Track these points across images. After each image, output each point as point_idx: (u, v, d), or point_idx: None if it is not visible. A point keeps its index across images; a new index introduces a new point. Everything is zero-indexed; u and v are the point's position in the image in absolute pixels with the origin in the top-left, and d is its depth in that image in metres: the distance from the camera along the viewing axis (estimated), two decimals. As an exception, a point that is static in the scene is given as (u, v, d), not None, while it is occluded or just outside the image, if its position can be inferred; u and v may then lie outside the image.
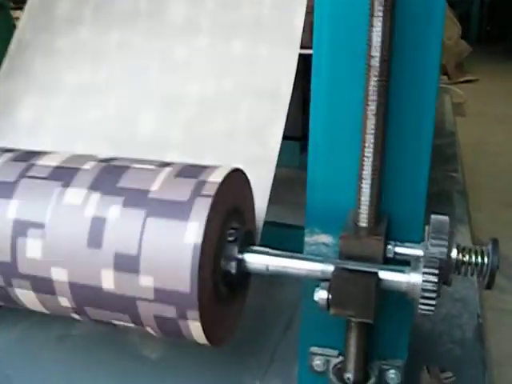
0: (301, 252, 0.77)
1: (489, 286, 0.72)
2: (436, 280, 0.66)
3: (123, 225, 0.65)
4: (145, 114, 0.95)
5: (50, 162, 0.73)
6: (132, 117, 0.95)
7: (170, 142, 0.92)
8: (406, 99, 0.70)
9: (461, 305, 1.19)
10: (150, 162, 0.72)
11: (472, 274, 0.72)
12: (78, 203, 0.67)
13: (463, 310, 1.17)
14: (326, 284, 0.68)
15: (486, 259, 0.71)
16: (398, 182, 0.74)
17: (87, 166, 0.71)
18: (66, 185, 0.69)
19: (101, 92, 0.98)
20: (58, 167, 0.72)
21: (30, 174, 0.71)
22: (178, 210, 0.64)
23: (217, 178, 0.67)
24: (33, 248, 0.67)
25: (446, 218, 0.73)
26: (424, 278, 0.66)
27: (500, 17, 7.18)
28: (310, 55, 0.75)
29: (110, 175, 0.70)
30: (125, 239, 0.64)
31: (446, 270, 0.69)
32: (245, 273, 0.71)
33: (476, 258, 0.72)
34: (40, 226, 0.67)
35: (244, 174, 0.74)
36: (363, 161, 0.70)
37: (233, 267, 0.70)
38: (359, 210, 0.71)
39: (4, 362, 0.96)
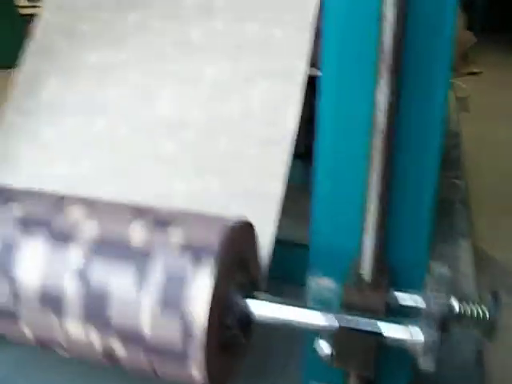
0: (304, 271, 0.78)
1: (490, 338, 0.73)
2: (436, 338, 0.66)
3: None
4: (162, 93, 0.96)
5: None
6: (150, 95, 0.97)
7: (187, 121, 0.93)
8: (410, 156, 0.70)
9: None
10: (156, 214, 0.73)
11: (473, 327, 0.73)
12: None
13: (463, 334, 1.17)
14: (328, 335, 0.69)
15: (487, 312, 0.72)
16: (401, 232, 0.75)
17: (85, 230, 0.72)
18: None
19: (120, 71, 1.01)
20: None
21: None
22: (187, 262, 0.65)
23: (230, 222, 0.69)
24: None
25: (446, 270, 0.74)
26: (425, 336, 0.66)
27: (505, 6, 7.09)
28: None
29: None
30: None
31: (446, 324, 0.70)
32: (249, 321, 0.72)
33: (477, 310, 0.72)
34: None
35: (251, 224, 0.75)
36: (366, 213, 0.70)
37: (237, 316, 0.70)
38: (362, 261, 0.72)
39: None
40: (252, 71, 0.93)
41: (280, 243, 0.83)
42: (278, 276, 0.84)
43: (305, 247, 0.81)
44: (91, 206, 0.74)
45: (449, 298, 0.71)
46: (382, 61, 0.62)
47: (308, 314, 0.70)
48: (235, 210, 0.82)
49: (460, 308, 0.72)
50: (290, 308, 0.70)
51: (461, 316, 0.72)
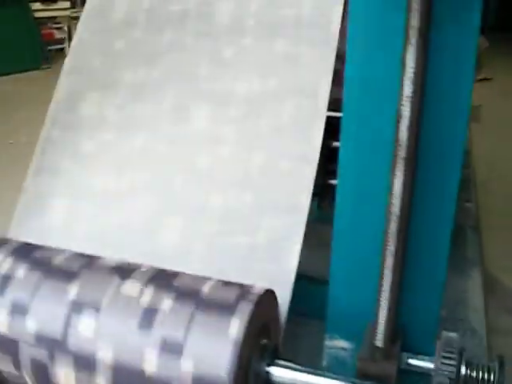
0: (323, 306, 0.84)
1: (496, 401, 0.78)
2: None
3: (174, 313, 0.73)
4: (196, 110, 1.02)
5: (109, 262, 0.81)
6: (185, 112, 1.02)
7: (221, 139, 0.98)
8: (422, 235, 0.76)
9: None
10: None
11: (480, 390, 0.78)
12: (134, 294, 0.75)
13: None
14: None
15: (492, 377, 0.78)
16: (413, 300, 0.80)
17: (144, 269, 0.79)
18: (124, 279, 0.77)
19: (155, 89, 1.06)
20: (116, 266, 0.80)
21: (92, 268, 0.80)
22: (223, 309, 0.72)
23: (257, 290, 0.75)
24: (85, 326, 0.75)
25: (455, 336, 0.79)
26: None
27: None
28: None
29: (164, 275, 0.78)
30: (173, 325, 0.72)
31: (455, 388, 0.76)
32: (270, 384, 0.78)
33: (483, 375, 0.78)
34: (96, 308, 0.75)
35: (274, 294, 0.81)
36: (381, 280, 0.76)
37: (260, 380, 0.76)
38: (376, 330, 0.78)
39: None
40: (281, 88, 0.99)
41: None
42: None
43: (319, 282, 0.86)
44: (100, 314, 0.77)
45: (457, 363, 0.77)
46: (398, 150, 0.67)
47: (326, 382, 0.76)
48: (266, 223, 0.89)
49: (467, 373, 0.77)
50: (310, 376, 0.76)
51: (468, 380, 0.77)
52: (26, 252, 0.84)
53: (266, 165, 0.95)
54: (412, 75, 0.64)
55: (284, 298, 0.83)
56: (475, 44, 0.65)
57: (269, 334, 0.80)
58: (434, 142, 0.69)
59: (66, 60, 1.13)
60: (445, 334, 0.80)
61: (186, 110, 1.02)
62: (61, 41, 5.37)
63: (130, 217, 0.98)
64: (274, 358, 0.78)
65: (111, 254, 0.88)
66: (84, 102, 1.08)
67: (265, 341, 0.78)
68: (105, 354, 0.74)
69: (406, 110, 0.66)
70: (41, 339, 0.77)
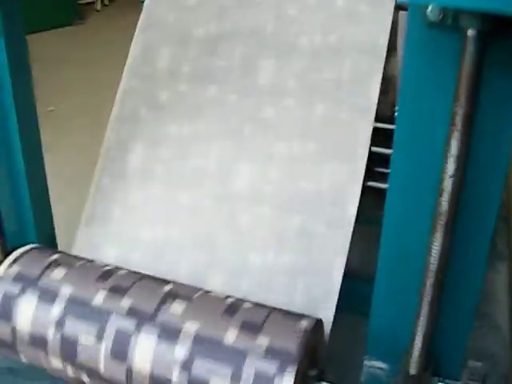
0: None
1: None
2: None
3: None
4: (238, 167, 1.09)
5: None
6: (227, 169, 1.09)
7: (261, 198, 1.06)
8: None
9: (490, 363, 1.35)
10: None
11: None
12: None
13: (492, 369, 1.33)
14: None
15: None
16: (446, 332, 0.90)
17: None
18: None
19: (199, 143, 1.12)
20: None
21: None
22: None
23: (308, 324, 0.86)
24: (176, 308, 0.90)
25: (480, 365, 0.90)
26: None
27: None
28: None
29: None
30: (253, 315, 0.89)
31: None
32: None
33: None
34: (188, 298, 0.92)
35: (321, 320, 0.91)
36: (419, 312, 0.85)
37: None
38: (410, 359, 0.88)
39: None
40: (319, 151, 1.05)
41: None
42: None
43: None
44: (192, 303, 0.91)
45: (481, 389, 0.88)
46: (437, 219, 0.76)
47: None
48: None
49: (490, 399, 0.88)
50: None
51: (489, 405, 0.88)
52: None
53: None
54: (455, 156, 0.72)
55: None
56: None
57: (316, 360, 0.91)
58: (471, 211, 0.77)
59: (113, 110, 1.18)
60: (471, 362, 0.91)
61: None
62: (90, -7, 5.27)
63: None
64: (320, 381, 0.90)
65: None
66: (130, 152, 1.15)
67: (313, 367, 0.89)
68: (189, 327, 0.87)
69: (447, 186, 0.73)
70: (133, 312, 0.91)
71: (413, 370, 0.88)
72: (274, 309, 0.92)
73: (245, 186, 1.06)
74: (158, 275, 1.02)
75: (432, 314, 0.84)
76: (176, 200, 1.09)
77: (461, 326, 0.91)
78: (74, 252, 1.11)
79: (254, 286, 1.01)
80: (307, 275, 1.00)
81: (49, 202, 1.19)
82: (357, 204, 1.01)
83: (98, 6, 5.15)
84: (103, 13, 5.12)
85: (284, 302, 0.97)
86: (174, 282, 0.98)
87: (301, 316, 0.90)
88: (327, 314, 0.95)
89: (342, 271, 0.99)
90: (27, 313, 0.96)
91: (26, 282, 0.98)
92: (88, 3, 5.10)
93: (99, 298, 0.94)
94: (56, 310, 0.94)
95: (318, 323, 0.91)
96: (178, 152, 1.12)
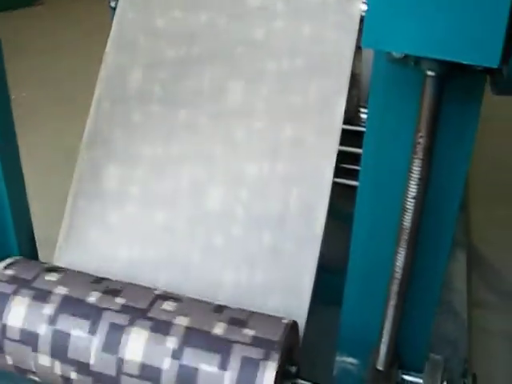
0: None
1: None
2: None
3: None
4: (212, 189, 1.14)
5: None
6: (201, 191, 1.14)
7: (234, 219, 1.11)
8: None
9: (451, 348, 1.47)
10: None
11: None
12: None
13: (453, 354, 1.45)
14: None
15: (468, 392, 0.99)
16: (411, 330, 0.99)
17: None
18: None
19: (173, 165, 1.16)
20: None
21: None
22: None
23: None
24: (168, 305, 0.97)
25: (440, 357, 1.00)
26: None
27: None
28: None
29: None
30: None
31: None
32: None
33: (461, 389, 0.99)
34: (178, 299, 1.00)
35: (297, 324, 0.99)
36: (386, 310, 0.93)
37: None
38: (378, 355, 0.98)
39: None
40: (288, 171, 1.11)
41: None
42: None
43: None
44: (181, 302, 0.99)
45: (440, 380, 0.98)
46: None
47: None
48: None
49: (448, 387, 0.99)
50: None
51: (448, 393, 0.99)
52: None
53: None
54: (417, 180, 0.80)
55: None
56: (468, 158, 0.80)
57: (293, 358, 1.00)
58: (430, 228, 0.86)
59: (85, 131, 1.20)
60: (432, 356, 1.01)
61: None
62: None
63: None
64: (296, 379, 0.98)
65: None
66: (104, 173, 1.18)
67: (290, 364, 0.98)
68: (180, 321, 0.94)
69: (410, 206, 0.82)
70: (126, 309, 0.97)
71: (380, 366, 0.98)
72: (256, 312, 0.99)
73: (217, 206, 1.12)
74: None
75: (397, 316, 0.93)
76: (151, 220, 1.14)
77: (423, 324, 1.00)
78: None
79: (229, 303, 1.06)
80: (280, 290, 1.07)
81: (28, 209, 1.21)
82: (324, 222, 1.07)
83: (57, -17, 5.02)
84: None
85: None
86: (161, 289, 1.04)
87: (281, 317, 0.99)
88: (300, 320, 1.03)
89: (312, 287, 1.06)
90: (19, 310, 0.99)
91: (19, 283, 1.02)
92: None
93: (93, 297, 0.99)
94: (49, 307, 0.98)
95: (295, 324, 1.00)
96: (151, 173, 1.16)
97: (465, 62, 0.66)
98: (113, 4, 1.33)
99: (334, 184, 1.14)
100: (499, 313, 1.81)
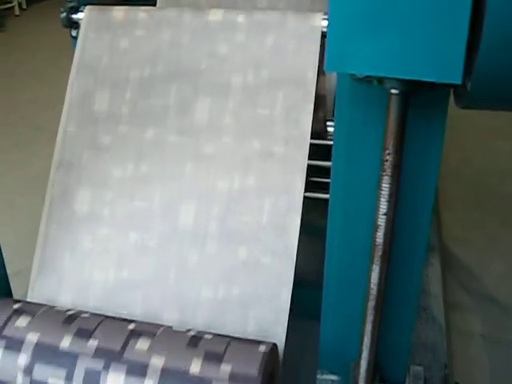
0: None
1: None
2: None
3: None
4: (183, 207, 1.13)
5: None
6: (172, 209, 1.13)
7: (207, 235, 1.11)
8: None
9: (430, 353, 1.48)
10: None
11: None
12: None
13: (433, 359, 1.45)
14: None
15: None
16: (390, 344, 0.99)
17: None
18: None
19: (143, 185, 1.15)
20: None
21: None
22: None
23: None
24: (141, 344, 0.95)
25: (420, 369, 1.00)
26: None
27: None
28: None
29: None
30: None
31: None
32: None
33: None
34: (152, 335, 0.97)
35: (276, 346, 0.99)
36: (364, 325, 0.93)
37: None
38: (359, 371, 0.97)
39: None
40: (258, 185, 1.11)
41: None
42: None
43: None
44: (156, 339, 0.97)
45: (422, 392, 0.98)
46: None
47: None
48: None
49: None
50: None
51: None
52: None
53: None
54: (386, 196, 0.80)
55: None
56: (436, 172, 0.81)
57: (274, 380, 0.99)
58: (404, 242, 0.86)
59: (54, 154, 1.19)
60: (413, 367, 1.01)
61: None
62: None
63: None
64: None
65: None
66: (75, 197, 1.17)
67: (271, 386, 0.97)
68: (156, 362, 0.93)
69: (381, 222, 0.82)
70: (100, 353, 0.95)
71: (362, 381, 0.97)
72: (233, 338, 0.98)
73: (190, 223, 1.11)
74: (115, 315, 1.06)
75: (375, 331, 0.93)
76: (125, 241, 1.13)
77: (402, 336, 1.01)
78: (30, 300, 1.13)
79: (207, 320, 1.07)
80: (258, 305, 1.06)
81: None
82: (297, 234, 1.07)
83: (17, 11, 4.99)
84: (23, 17, 4.97)
85: (238, 332, 1.03)
86: (136, 321, 1.02)
87: (258, 342, 0.97)
88: (280, 339, 1.03)
89: (289, 299, 1.05)
90: None
91: None
92: (6, 9, 4.92)
93: (66, 342, 0.97)
94: (23, 357, 0.97)
95: (274, 347, 0.99)
96: (122, 194, 1.15)
97: (426, 80, 0.66)
98: (74, 33, 1.33)
99: (306, 198, 1.14)
100: (477, 314, 1.83)
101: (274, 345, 0.98)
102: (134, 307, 1.09)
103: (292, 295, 1.04)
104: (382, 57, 0.66)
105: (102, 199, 1.16)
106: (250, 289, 1.07)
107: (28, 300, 1.14)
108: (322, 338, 1.04)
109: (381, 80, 0.72)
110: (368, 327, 0.92)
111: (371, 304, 0.90)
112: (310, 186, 1.18)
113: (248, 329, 1.05)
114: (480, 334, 1.75)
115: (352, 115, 0.81)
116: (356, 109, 0.80)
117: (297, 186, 1.08)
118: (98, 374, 0.93)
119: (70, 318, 1.01)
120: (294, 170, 1.10)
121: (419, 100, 0.76)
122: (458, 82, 0.65)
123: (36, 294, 1.15)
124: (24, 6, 5.08)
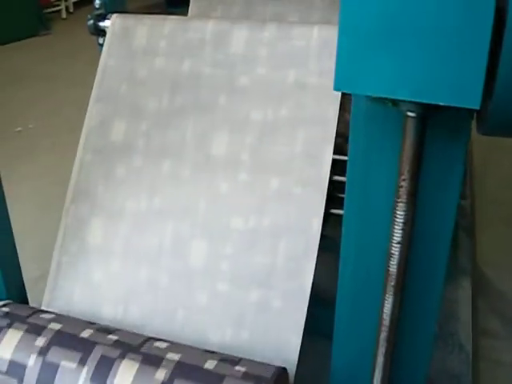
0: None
1: None
2: None
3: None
4: (194, 244, 1.10)
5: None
6: (183, 246, 1.10)
7: (219, 275, 1.07)
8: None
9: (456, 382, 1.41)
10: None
11: None
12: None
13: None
14: None
15: None
16: (403, 374, 0.94)
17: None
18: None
19: (156, 219, 1.12)
20: None
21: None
22: None
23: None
24: (160, 344, 0.95)
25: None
26: None
27: None
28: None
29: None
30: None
31: None
32: None
33: None
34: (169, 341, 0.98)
35: (286, 371, 0.95)
36: (376, 350, 0.88)
37: None
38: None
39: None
40: (274, 225, 1.06)
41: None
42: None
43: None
44: (173, 343, 0.97)
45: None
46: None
47: None
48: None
49: None
50: None
51: None
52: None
53: None
54: (401, 225, 0.75)
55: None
56: (456, 201, 0.75)
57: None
58: (419, 272, 0.81)
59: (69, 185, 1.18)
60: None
61: None
62: (56, 2, 5.18)
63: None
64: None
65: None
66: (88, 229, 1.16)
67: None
68: (172, 356, 0.91)
69: (395, 251, 0.77)
70: (118, 344, 0.95)
71: (374, 411, 0.92)
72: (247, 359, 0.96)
73: (201, 262, 1.08)
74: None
75: (387, 364, 0.88)
76: (135, 277, 1.11)
77: (417, 367, 0.94)
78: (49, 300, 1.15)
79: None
80: (266, 351, 1.02)
81: (16, 254, 1.19)
82: (312, 276, 1.02)
83: (64, 14, 5.10)
84: (70, 20, 5.08)
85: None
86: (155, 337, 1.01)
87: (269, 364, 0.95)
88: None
89: (299, 345, 1.01)
90: (11, 342, 0.97)
91: (14, 318, 1.01)
92: (53, 12, 5.04)
93: (86, 333, 0.97)
94: (41, 340, 0.96)
95: (284, 371, 0.95)
96: (135, 228, 1.13)
97: (443, 104, 0.62)
98: (101, 41, 1.33)
99: (329, 214, 1.10)
100: (508, 342, 1.74)
101: (285, 369, 0.95)
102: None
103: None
104: (396, 78, 0.61)
105: (114, 232, 1.14)
106: (259, 333, 1.03)
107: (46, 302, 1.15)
108: (333, 361, 0.99)
109: (396, 102, 0.68)
110: (380, 359, 0.87)
111: (383, 335, 0.85)
112: (332, 201, 1.14)
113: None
114: (510, 364, 1.66)
115: (367, 136, 0.76)
116: (371, 129, 0.76)
117: (313, 226, 1.03)
118: (112, 361, 0.92)
119: (91, 322, 1.03)
120: (312, 211, 1.05)
121: (438, 122, 0.71)
122: (477, 106, 0.60)
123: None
124: (71, 10, 5.19)
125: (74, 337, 0.96)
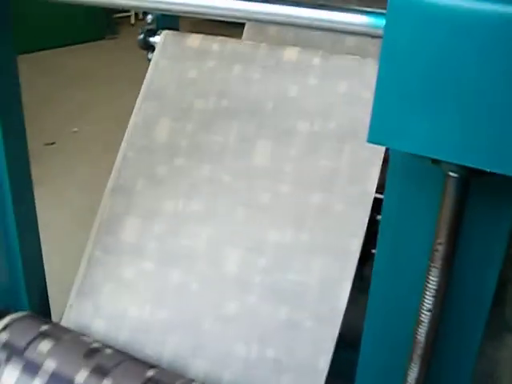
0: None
1: None
2: None
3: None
4: (229, 253, 1.06)
5: None
6: (218, 253, 1.07)
7: (250, 287, 1.03)
8: None
9: None
10: None
11: None
12: None
13: None
14: None
15: None
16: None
17: None
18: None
19: (192, 222, 1.10)
20: None
21: None
22: None
23: None
24: None
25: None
26: None
27: None
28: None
29: None
30: None
31: None
32: None
33: None
34: None
35: None
36: None
37: None
38: None
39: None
40: (312, 242, 1.02)
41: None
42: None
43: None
44: None
45: None
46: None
47: None
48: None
49: None
50: None
51: None
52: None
53: None
54: (433, 291, 0.68)
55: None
56: (497, 271, 0.68)
57: None
58: (449, 344, 0.74)
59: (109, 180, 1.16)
60: None
61: None
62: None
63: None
64: None
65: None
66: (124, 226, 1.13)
67: None
68: None
69: (424, 319, 0.70)
70: None
71: None
72: None
73: (233, 271, 1.04)
74: (141, 354, 1.02)
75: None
76: (165, 279, 1.08)
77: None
78: (63, 323, 1.11)
79: (236, 378, 0.99)
80: (292, 371, 0.98)
81: (42, 263, 1.18)
82: (347, 298, 0.97)
83: (132, 20, 5.21)
84: (137, 27, 5.17)
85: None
86: (158, 367, 0.97)
87: None
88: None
89: (327, 368, 0.96)
90: (9, 381, 0.95)
91: (12, 350, 0.98)
92: (122, 17, 5.15)
93: (81, 376, 0.93)
94: (38, 381, 0.94)
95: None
96: (170, 229, 1.10)
97: (485, 170, 0.55)
98: (150, 56, 1.32)
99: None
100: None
101: None
102: (164, 349, 1.04)
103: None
104: (432, 136, 0.55)
105: (149, 231, 1.11)
106: (286, 353, 0.99)
107: (63, 321, 1.12)
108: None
109: (436, 161, 0.61)
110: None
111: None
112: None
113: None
114: None
115: (403, 192, 0.70)
116: (408, 185, 0.69)
117: (353, 247, 0.99)
118: None
119: (91, 352, 0.98)
120: (352, 230, 1.00)
121: (483, 184, 0.64)
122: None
123: (71, 317, 1.12)
124: (140, 17, 5.30)
125: (70, 382, 0.93)
